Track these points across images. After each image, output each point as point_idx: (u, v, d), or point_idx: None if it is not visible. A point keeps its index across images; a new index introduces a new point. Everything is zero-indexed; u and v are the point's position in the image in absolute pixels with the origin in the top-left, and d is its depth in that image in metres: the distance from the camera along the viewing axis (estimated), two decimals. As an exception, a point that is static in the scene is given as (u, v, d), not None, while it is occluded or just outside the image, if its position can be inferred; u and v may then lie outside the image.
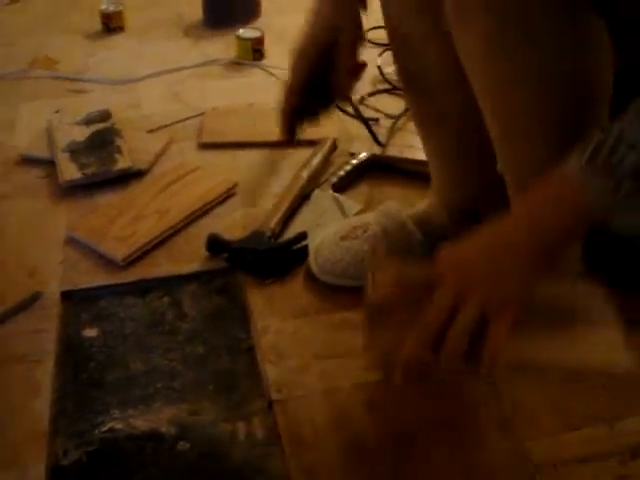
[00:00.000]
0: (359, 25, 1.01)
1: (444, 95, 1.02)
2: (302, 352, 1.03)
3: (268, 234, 1.19)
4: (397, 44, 1.04)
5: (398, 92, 1.63)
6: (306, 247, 1.17)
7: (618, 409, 0.95)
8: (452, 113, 1.03)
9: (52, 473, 0.89)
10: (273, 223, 1.22)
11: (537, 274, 0.77)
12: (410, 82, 1.07)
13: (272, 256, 1.17)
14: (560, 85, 0.80)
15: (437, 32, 0.90)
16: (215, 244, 1.20)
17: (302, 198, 1.32)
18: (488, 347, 0.75)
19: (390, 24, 1.03)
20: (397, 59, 1.06)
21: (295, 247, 1.18)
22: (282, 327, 1.08)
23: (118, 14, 2.07)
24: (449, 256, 0.79)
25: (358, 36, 1.01)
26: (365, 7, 1.02)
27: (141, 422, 0.95)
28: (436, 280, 0.77)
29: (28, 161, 1.47)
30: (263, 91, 1.76)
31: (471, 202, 1.10)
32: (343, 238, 1.15)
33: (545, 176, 0.75)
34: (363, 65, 1.03)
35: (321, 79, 1.02)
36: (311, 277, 1.15)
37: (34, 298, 1.13)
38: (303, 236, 1.18)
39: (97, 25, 2.09)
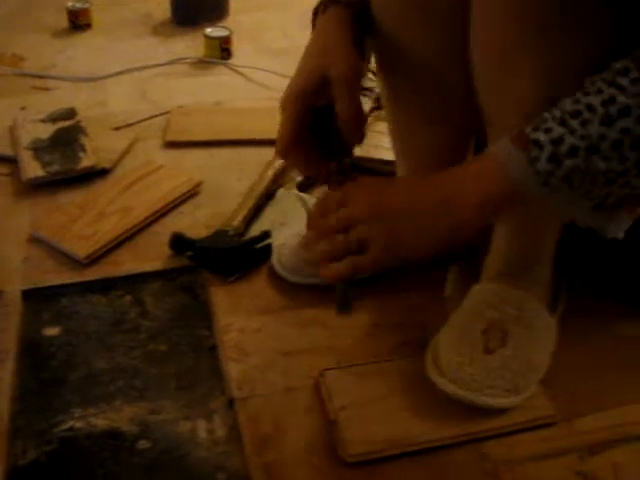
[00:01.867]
0: (353, 66, 0.90)
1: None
2: (265, 349, 1.03)
3: (232, 233, 1.19)
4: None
5: (366, 92, 1.64)
6: (269, 245, 1.17)
7: (577, 407, 0.96)
8: (427, 80, 1.00)
9: (10, 473, 0.88)
10: (237, 221, 1.22)
11: (434, 247, 0.82)
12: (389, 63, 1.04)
13: (235, 254, 1.16)
14: None
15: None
16: (179, 242, 1.19)
17: (267, 197, 1.32)
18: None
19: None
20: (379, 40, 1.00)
21: (258, 245, 1.18)
22: (246, 325, 1.08)
23: (85, 11, 2.06)
24: (370, 193, 0.85)
25: (352, 72, 0.89)
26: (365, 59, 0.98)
27: (101, 421, 0.94)
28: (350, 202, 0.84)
29: (-9, 159, 1.46)
30: (230, 90, 1.76)
31: None
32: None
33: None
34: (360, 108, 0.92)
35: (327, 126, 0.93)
36: (275, 275, 1.15)
37: (-6, 297, 1.12)
38: (266, 235, 1.19)
39: (64, 22, 2.07)
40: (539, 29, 0.75)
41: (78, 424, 0.94)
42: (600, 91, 0.69)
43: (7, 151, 1.45)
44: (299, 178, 1.36)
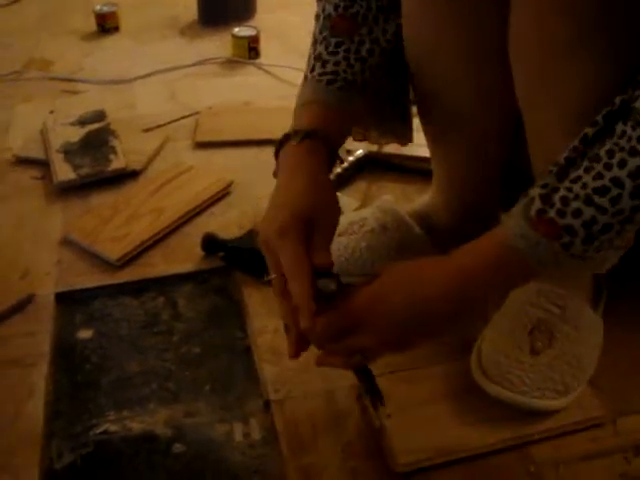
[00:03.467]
0: (336, 212, 0.86)
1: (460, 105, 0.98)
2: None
3: None
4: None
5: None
6: None
7: (621, 406, 0.93)
8: (466, 121, 0.99)
9: (45, 477, 0.87)
10: None
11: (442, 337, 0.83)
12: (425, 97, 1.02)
13: None
14: None
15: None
16: (211, 243, 1.18)
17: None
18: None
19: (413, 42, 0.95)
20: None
21: None
22: (280, 326, 1.05)
23: (112, 14, 2.07)
24: (370, 306, 0.79)
25: (334, 223, 0.86)
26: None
27: (136, 424, 0.93)
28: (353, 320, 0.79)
29: (23, 162, 1.46)
30: (259, 89, 1.75)
31: (473, 205, 1.09)
32: (340, 234, 1.13)
33: (488, 234, 0.74)
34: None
35: None
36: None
37: (27, 300, 1.11)
38: None
39: (92, 26, 2.08)
40: (579, 39, 0.72)
41: (113, 427, 0.93)
42: (624, 163, 0.65)
43: (39, 154, 1.46)
44: (331, 176, 1.34)
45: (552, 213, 0.68)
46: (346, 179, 1.36)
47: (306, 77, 0.93)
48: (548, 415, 0.89)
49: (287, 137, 0.87)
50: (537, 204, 0.69)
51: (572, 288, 0.96)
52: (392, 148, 1.41)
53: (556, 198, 0.68)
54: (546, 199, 0.68)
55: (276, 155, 0.89)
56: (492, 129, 0.99)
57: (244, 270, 1.15)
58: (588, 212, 0.66)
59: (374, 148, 1.41)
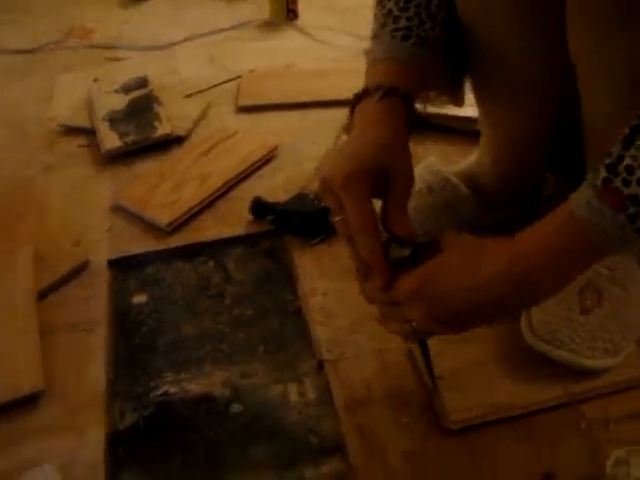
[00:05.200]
0: (411, 172, 0.84)
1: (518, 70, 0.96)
2: (351, 312, 1.03)
3: (312, 196, 1.19)
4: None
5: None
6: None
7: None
8: (517, 79, 0.97)
9: (110, 436, 0.90)
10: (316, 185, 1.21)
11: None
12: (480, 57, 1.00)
13: (317, 217, 1.16)
14: None
15: None
16: (259, 207, 1.20)
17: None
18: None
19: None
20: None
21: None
22: (330, 287, 1.08)
23: (150, -20, 2.07)
24: (424, 286, 0.76)
25: (410, 183, 0.84)
26: None
27: (194, 385, 0.96)
28: (407, 297, 0.77)
29: (70, 131, 1.49)
30: (299, 51, 1.76)
31: (521, 165, 1.09)
32: (388, 196, 1.13)
33: (552, 213, 0.71)
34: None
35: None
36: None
37: (82, 266, 1.14)
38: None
39: (129, -8, 2.09)
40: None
41: (172, 389, 0.96)
42: None
43: (85, 123, 1.48)
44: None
45: (617, 182, 0.65)
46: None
47: (375, 34, 0.90)
48: (598, 373, 0.90)
49: (365, 93, 0.85)
50: (602, 173, 0.67)
51: None
52: (436, 108, 1.42)
53: (621, 167, 0.66)
54: (611, 168, 0.66)
55: (351, 111, 0.88)
56: (543, 88, 0.98)
57: (293, 233, 1.17)
58: None
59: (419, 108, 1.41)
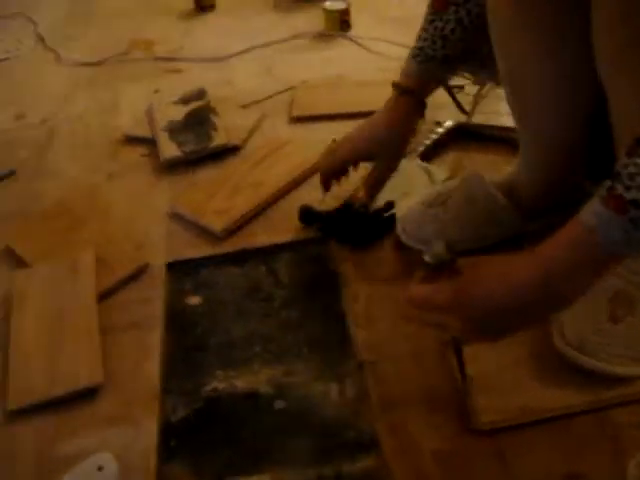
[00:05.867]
0: (394, 164, 1.20)
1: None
2: (391, 316, 1.08)
3: (358, 204, 1.24)
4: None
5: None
6: (394, 215, 1.22)
7: None
8: (548, 97, 1.04)
9: (163, 428, 0.98)
10: (362, 193, 1.26)
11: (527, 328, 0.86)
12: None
13: (363, 225, 1.22)
14: None
15: None
16: (308, 215, 1.26)
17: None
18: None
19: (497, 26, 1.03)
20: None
21: (384, 215, 1.23)
22: (372, 292, 1.13)
23: (209, -8, 2.15)
24: (463, 295, 0.82)
25: (390, 170, 1.20)
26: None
27: (241, 382, 1.03)
28: (443, 309, 0.84)
29: (132, 140, 1.57)
30: (352, 62, 1.80)
31: (558, 177, 1.12)
32: (430, 206, 1.18)
33: (569, 222, 0.76)
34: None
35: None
36: (399, 244, 1.19)
37: (142, 269, 1.22)
38: (391, 205, 1.23)
39: (189, 4, 2.18)
40: None
41: (221, 385, 1.03)
42: None
43: (146, 133, 1.56)
44: (421, 147, 1.39)
45: (620, 189, 0.70)
46: (435, 151, 1.40)
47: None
48: (626, 381, 0.93)
49: (397, 84, 1.15)
50: (608, 182, 0.72)
51: None
52: (481, 119, 1.46)
53: (624, 174, 0.70)
54: (616, 176, 0.71)
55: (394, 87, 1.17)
56: (575, 106, 1.02)
57: (340, 240, 1.22)
58: None
59: (463, 119, 1.45)
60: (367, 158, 1.20)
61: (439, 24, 1.08)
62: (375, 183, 1.21)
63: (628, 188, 0.70)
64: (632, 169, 0.70)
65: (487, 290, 0.81)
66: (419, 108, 1.17)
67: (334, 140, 1.24)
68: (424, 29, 1.11)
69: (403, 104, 1.15)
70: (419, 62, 1.12)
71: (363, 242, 1.22)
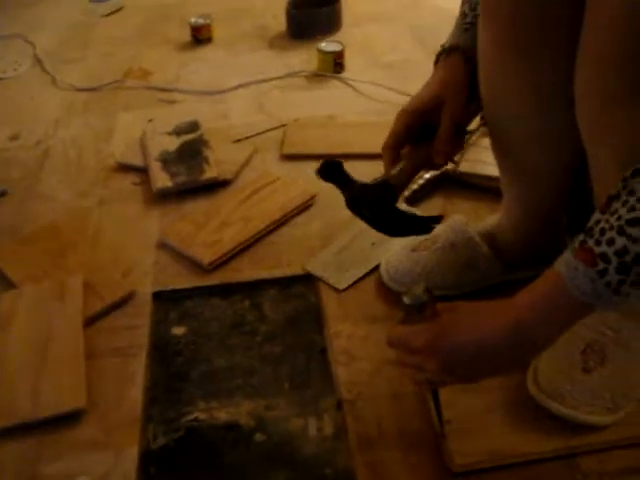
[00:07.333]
0: (462, 100, 1.05)
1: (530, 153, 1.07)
2: (372, 356, 1.11)
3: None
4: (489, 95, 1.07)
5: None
6: (432, 226, 1.12)
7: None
8: (532, 156, 1.07)
9: (143, 455, 0.99)
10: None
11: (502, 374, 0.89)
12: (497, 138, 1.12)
13: (397, 213, 1.10)
14: None
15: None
16: (332, 169, 1.10)
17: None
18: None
19: (485, 81, 1.05)
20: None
21: (424, 218, 1.14)
22: (354, 331, 1.16)
23: (207, 27, 2.21)
24: (439, 339, 0.85)
25: (459, 109, 1.05)
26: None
27: (223, 414, 1.05)
28: (419, 351, 0.87)
29: (125, 168, 1.60)
30: (343, 103, 1.84)
31: (538, 229, 1.16)
32: (413, 249, 1.22)
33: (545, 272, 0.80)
34: (460, 134, 1.08)
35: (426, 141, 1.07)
36: (383, 285, 1.22)
37: (129, 297, 1.24)
38: (439, 218, 1.11)
39: (187, 36, 2.22)
40: (635, 89, 0.78)
41: (202, 415, 1.05)
42: None
43: (138, 161, 1.59)
44: (407, 192, 1.42)
45: (591, 242, 0.75)
46: (422, 196, 1.44)
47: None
48: (597, 429, 0.96)
49: (441, 52, 1.09)
50: (581, 236, 0.76)
51: (628, 313, 1.02)
52: (467, 167, 1.50)
53: (596, 229, 0.75)
54: (589, 230, 0.76)
55: (435, 63, 1.10)
56: (558, 164, 1.06)
57: (365, 218, 1.09)
58: (620, 241, 0.72)
59: (450, 166, 1.49)
60: (434, 106, 1.04)
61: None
62: (447, 134, 1.04)
63: (598, 242, 0.74)
64: (603, 225, 0.74)
65: (460, 336, 0.84)
66: (469, 62, 1.05)
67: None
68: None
69: (452, 59, 1.06)
70: (464, 26, 1.07)
71: (389, 230, 1.11)
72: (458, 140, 1.07)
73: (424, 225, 1.11)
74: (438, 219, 1.11)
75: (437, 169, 1.40)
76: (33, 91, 2.01)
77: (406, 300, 0.90)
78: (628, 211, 0.73)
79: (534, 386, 0.99)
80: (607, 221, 0.74)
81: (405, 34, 2.17)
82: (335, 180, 1.10)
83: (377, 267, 1.25)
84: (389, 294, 1.21)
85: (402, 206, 1.38)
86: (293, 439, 1.01)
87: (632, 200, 0.73)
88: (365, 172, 1.49)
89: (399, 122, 1.07)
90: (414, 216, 1.18)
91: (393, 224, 1.09)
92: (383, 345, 1.10)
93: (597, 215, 0.76)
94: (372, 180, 1.10)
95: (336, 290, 1.23)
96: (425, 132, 1.07)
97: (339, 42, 2.01)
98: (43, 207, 1.50)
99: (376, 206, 1.07)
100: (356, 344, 1.13)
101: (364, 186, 1.08)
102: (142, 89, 1.96)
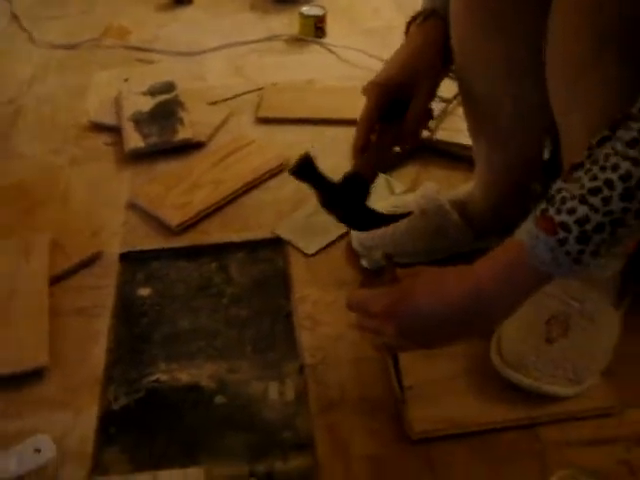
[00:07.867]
0: (437, 73, 1.05)
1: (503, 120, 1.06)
2: (337, 321, 1.10)
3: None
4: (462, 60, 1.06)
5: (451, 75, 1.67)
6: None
7: (630, 398, 0.99)
8: (504, 125, 1.07)
9: (103, 415, 0.99)
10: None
11: (467, 339, 0.89)
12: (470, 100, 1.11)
13: (367, 212, 1.14)
14: None
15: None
16: (307, 169, 1.09)
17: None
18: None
19: (458, 44, 1.04)
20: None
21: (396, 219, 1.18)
22: (321, 296, 1.15)
23: (188, -14, 2.16)
24: (397, 304, 0.84)
25: (434, 86, 1.06)
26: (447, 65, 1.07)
27: (184, 375, 1.04)
28: (377, 316, 0.86)
29: (98, 127, 1.57)
30: (323, 68, 1.82)
31: (508, 197, 1.15)
32: (384, 216, 1.21)
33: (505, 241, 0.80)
34: (429, 113, 1.08)
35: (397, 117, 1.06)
36: (353, 251, 1.21)
37: (96, 257, 1.23)
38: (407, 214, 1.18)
39: (168, -4, 2.18)
40: (615, 42, 0.78)
41: (163, 377, 1.04)
42: (616, 167, 0.70)
43: (111, 120, 1.57)
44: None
45: (552, 211, 0.74)
46: (397, 163, 1.43)
47: None
48: (559, 400, 0.96)
49: (415, 17, 1.06)
50: (542, 204, 0.75)
51: (593, 284, 1.02)
52: (444, 135, 1.49)
53: (558, 198, 0.74)
54: (550, 199, 0.75)
55: (406, 32, 1.08)
56: (528, 130, 1.05)
57: (337, 214, 1.12)
58: (582, 210, 0.71)
59: (426, 134, 1.48)
60: (407, 79, 1.04)
61: None
62: (420, 115, 1.06)
63: (559, 211, 0.73)
64: (565, 193, 0.73)
65: (418, 301, 0.83)
66: (445, 28, 1.03)
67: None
68: None
69: (429, 24, 1.04)
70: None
71: (361, 227, 1.16)
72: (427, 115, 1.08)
73: (394, 221, 1.16)
74: (407, 216, 1.16)
75: (405, 151, 1.34)
76: (9, 48, 1.96)
77: (364, 263, 0.90)
78: (590, 180, 0.72)
79: (497, 356, 0.99)
80: (569, 190, 0.73)
81: (387, 0, 2.14)
82: (309, 179, 1.10)
83: (348, 233, 1.24)
84: (358, 260, 1.20)
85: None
86: (253, 402, 1.00)
87: (595, 169, 0.72)
88: (342, 137, 1.50)
89: (371, 97, 1.05)
90: (384, 214, 1.19)
91: (365, 221, 1.15)
92: (349, 311, 1.11)
93: (559, 184, 0.75)
94: (344, 174, 1.10)
95: (305, 254, 1.22)
96: (395, 107, 1.05)
97: (321, 7, 1.98)
98: (13, 164, 1.48)
99: (349, 206, 1.11)
100: (322, 309, 1.13)
101: (337, 185, 1.09)
102: (120, 48, 1.93)
